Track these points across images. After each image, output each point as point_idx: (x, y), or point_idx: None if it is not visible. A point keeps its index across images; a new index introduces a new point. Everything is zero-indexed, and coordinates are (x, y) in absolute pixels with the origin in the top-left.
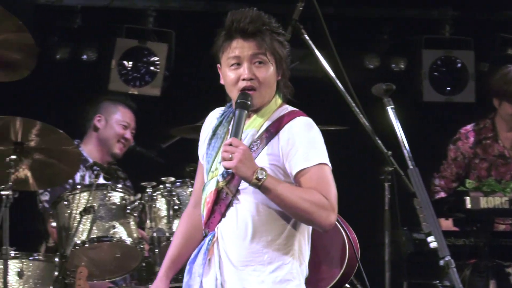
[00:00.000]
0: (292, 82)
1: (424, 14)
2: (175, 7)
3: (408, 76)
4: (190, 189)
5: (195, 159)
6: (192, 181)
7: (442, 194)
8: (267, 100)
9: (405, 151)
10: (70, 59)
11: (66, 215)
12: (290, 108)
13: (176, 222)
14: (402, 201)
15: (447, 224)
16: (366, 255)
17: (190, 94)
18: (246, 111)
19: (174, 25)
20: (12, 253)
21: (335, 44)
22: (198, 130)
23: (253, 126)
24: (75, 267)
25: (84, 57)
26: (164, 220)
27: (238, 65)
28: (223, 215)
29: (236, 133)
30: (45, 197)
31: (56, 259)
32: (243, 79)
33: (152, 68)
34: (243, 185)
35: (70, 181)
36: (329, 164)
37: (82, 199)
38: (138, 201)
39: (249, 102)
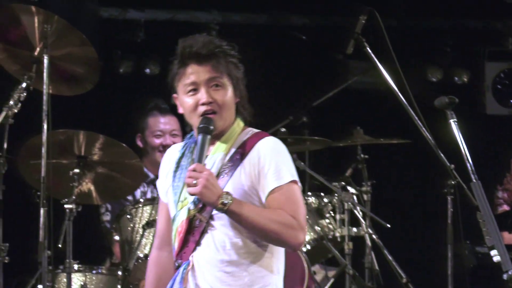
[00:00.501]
0: (355, 95)
1: (487, 26)
2: (238, 20)
3: (471, 89)
4: None
5: None
6: None
7: (506, 207)
8: (229, 123)
9: (468, 164)
10: (133, 72)
11: (129, 228)
12: (254, 130)
13: None
14: (465, 215)
15: (511, 237)
16: (429, 269)
17: (252, 108)
18: (209, 136)
19: (236, 38)
20: (76, 266)
21: (398, 57)
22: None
23: (220, 150)
24: (138, 281)
25: (147, 70)
26: None
27: (195, 90)
28: (198, 243)
29: (200, 158)
30: (107, 217)
31: (119, 273)
32: (202, 104)
33: None
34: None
35: (131, 197)
36: (299, 182)
37: (145, 213)
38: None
39: (211, 127)
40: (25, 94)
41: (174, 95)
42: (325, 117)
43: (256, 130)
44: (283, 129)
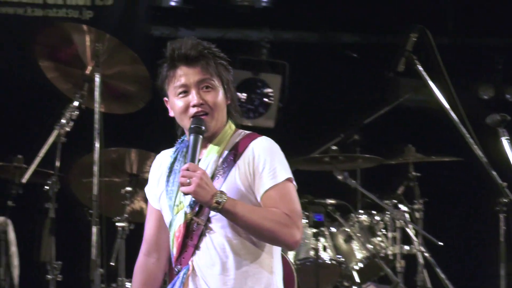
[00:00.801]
0: (406, 113)
1: None
2: (289, 38)
3: None
4: (304, 221)
5: (309, 191)
6: (306, 213)
7: None
8: (221, 125)
9: None
10: None
11: None
12: (246, 131)
13: (290, 253)
14: None
15: None
16: (481, 287)
17: (303, 126)
18: (201, 136)
19: (287, 56)
20: (128, 284)
21: (449, 74)
22: (312, 161)
23: (213, 152)
24: None
25: None
26: None
27: (185, 93)
28: (197, 247)
29: (193, 158)
30: None
31: None
32: (193, 106)
33: (265, 99)
34: (213, 212)
35: None
36: (293, 179)
37: None
38: None
39: (203, 127)
40: (77, 112)
41: (165, 98)
42: (377, 135)
43: (247, 132)
44: (334, 147)
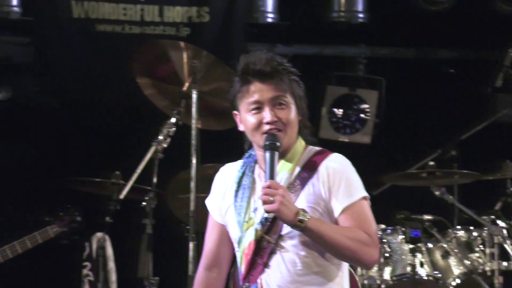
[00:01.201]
0: (504, 128)
1: None
2: (386, 54)
3: None
4: (401, 236)
5: (406, 206)
6: (403, 228)
7: None
8: (292, 142)
9: None
10: None
11: None
12: (316, 148)
13: (386, 269)
14: None
15: None
16: None
17: (400, 142)
18: (277, 152)
19: (384, 72)
20: None
21: None
22: (409, 177)
23: (285, 169)
24: None
25: None
26: (375, 268)
27: (258, 109)
28: (266, 265)
29: (272, 175)
30: None
31: None
32: (267, 123)
33: (362, 115)
34: (286, 229)
35: None
36: (368, 197)
37: None
38: None
39: (278, 143)
40: (174, 129)
41: (235, 112)
42: (474, 151)
43: (318, 148)
44: (431, 163)
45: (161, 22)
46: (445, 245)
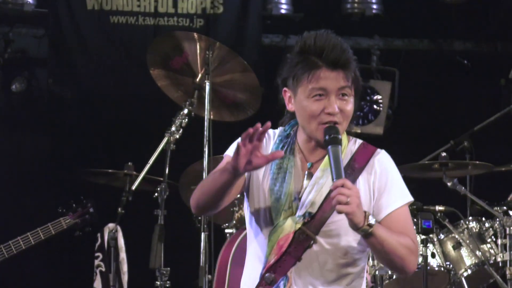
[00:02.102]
0: None
1: None
2: (399, 45)
3: None
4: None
5: (418, 197)
6: (415, 219)
7: None
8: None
9: None
10: None
11: None
12: (359, 140)
13: None
14: None
15: None
16: None
17: (412, 133)
18: (340, 146)
19: (397, 63)
20: None
21: None
22: (421, 168)
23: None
24: None
25: None
26: None
27: (321, 96)
28: (299, 259)
29: (339, 172)
30: None
31: None
32: (329, 113)
33: (375, 106)
34: (327, 227)
35: None
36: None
37: None
38: None
39: (340, 137)
40: (186, 120)
41: (285, 88)
42: (487, 142)
43: (361, 141)
44: (444, 154)
45: (175, 13)
46: (457, 236)
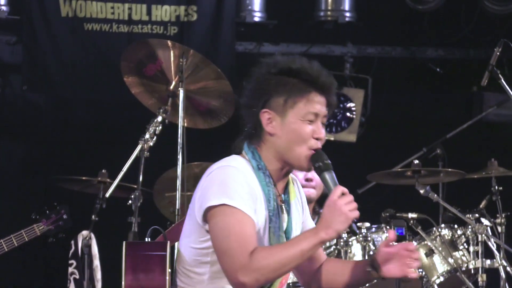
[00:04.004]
0: (489, 127)
1: None
2: (372, 53)
3: None
4: (385, 234)
5: (391, 205)
6: (387, 227)
7: None
8: None
9: None
10: None
11: None
12: None
13: None
14: None
15: None
16: None
17: (385, 140)
18: (333, 172)
19: (370, 71)
20: None
21: None
22: (394, 175)
23: (294, 195)
24: None
25: None
26: None
27: (311, 121)
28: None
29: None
30: None
31: None
32: (317, 138)
33: (348, 114)
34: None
35: None
36: None
37: None
38: (334, 247)
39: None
40: (160, 127)
41: (267, 110)
42: (460, 149)
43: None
44: (416, 161)
45: (149, 21)
46: (429, 243)
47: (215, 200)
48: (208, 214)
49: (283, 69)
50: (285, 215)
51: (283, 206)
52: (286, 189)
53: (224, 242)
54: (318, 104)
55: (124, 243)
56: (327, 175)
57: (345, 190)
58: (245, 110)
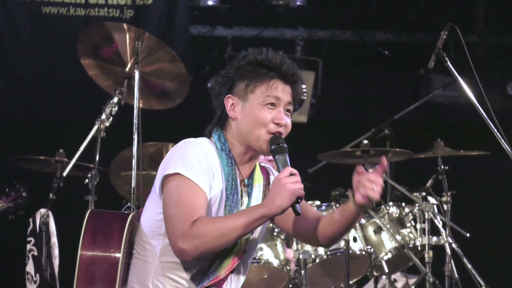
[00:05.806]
0: (436, 108)
1: None
2: (322, 36)
3: None
4: None
5: (341, 184)
6: (337, 205)
7: None
8: None
9: None
10: None
11: None
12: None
13: None
14: None
15: None
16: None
17: (335, 121)
18: (287, 155)
19: (321, 54)
20: None
21: (478, 71)
22: (343, 155)
23: (259, 180)
24: None
25: None
26: None
27: (272, 105)
28: (233, 271)
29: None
30: None
31: None
32: (277, 123)
33: None
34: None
35: None
36: None
37: None
38: None
39: (286, 146)
40: (116, 108)
41: (230, 95)
42: (407, 130)
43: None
44: (365, 141)
45: (105, 4)
46: (377, 221)
47: (171, 169)
48: (164, 182)
49: (250, 59)
50: (245, 198)
51: (245, 189)
52: (251, 175)
53: (172, 209)
54: (279, 91)
55: (88, 211)
56: (280, 157)
57: (294, 171)
58: (214, 98)
